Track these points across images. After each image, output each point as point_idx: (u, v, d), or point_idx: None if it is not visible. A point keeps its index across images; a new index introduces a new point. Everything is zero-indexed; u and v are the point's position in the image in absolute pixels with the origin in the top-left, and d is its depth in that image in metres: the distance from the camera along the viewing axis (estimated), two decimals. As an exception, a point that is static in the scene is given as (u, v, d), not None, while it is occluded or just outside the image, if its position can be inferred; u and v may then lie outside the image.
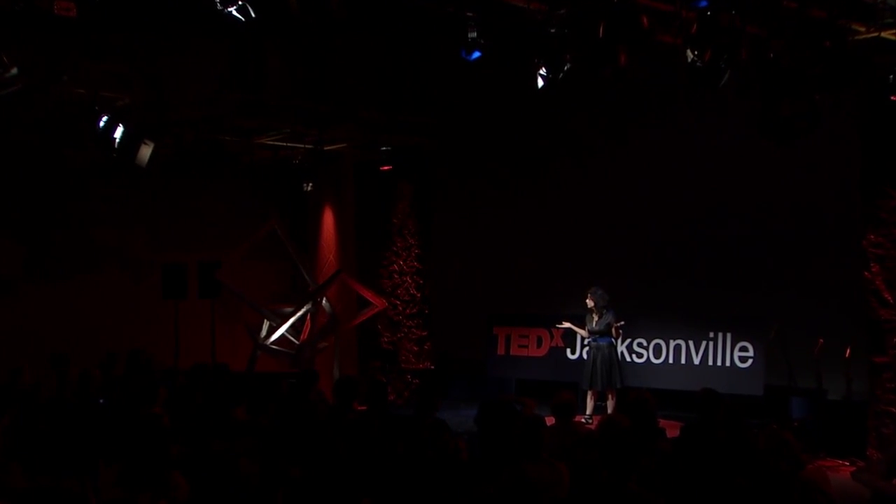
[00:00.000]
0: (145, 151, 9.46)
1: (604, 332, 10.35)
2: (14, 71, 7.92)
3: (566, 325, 10.86)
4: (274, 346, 11.71)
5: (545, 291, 12.26)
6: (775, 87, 7.06)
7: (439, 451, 5.46)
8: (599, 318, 10.35)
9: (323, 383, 8.71)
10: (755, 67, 7.06)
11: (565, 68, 7.15)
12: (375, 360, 13.29)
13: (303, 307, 11.64)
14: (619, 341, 10.63)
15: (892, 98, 7.47)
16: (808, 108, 7.02)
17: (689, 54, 6.63)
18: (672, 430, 6.97)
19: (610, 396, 10.36)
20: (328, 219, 13.36)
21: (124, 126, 9.35)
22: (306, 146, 11.69)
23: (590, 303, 10.40)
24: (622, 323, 10.31)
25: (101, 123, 9.36)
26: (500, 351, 12.08)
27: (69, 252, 11.93)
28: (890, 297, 8.19)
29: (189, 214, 12.79)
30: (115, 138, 9.35)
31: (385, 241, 13.43)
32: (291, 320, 11.63)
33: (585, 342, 10.83)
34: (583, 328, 10.62)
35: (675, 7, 6.84)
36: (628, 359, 10.89)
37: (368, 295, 12.10)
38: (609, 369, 10.30)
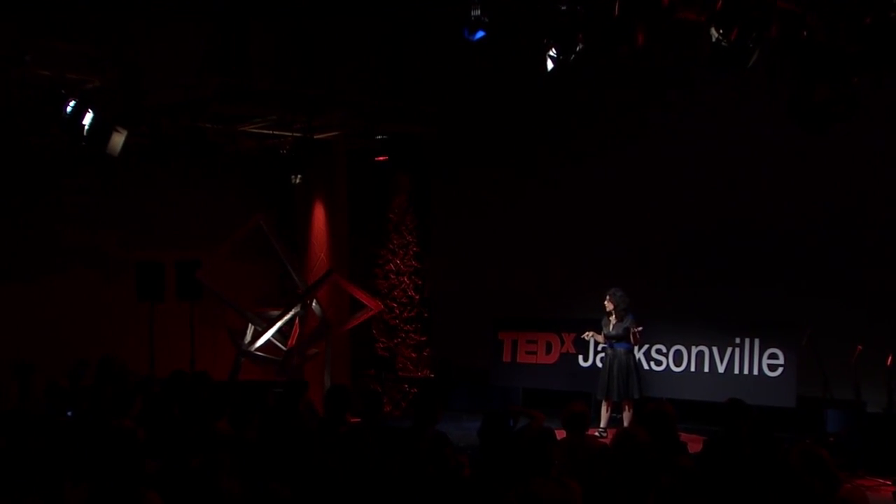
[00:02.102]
0: (117, 140, 9.45)
1: (621, 338, 10.33)
2: (-28, 51, 7.93)
3: (590, 335, 10.70)
4: (259, 353, 11.71)
5: (555, 293, 12.24)
6: (809, 68, 7.03)
7: (439, 466, 5.45)
8: (618, 321, 10.33)
9: (312, 393, 8.71)
10: (787, 47, 7.03)
11: (577, 49, 7.13)
12: (370, 367, 13.29)
13: (291, 310, 11.63)
14: (638, 347, 10.60)
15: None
16: (845, 92, 6.99)
17: (714, 33, 6.61)
18: (694, 444, 6.94)
19: (626, 407, 10.35)
20: (319, 214, 13.36)
21: (94, 112, 9.33)
22: (294, 135, 11.67)
23: (609, 305, 10.38)
24: (640, 328, 10.29)
25: (69, 109, 9.33)
26: (506, 358, 12.06)
27: (34, 250, 11.89)
28: (934, 300, 8.19)
29: (166, 209, 12.77)
30: (83, 125, 9.33)
31: (381, 238, 13.43)
32: (278, 324, 11.62)
33: (600, 348, 10.81)
34: (599, 334, 10.59)
35: (698, -19, 6.82)
36: (646, 366, 10.85)
37: (362, 297, 12.09)
38: (626, 378, 10.28)
